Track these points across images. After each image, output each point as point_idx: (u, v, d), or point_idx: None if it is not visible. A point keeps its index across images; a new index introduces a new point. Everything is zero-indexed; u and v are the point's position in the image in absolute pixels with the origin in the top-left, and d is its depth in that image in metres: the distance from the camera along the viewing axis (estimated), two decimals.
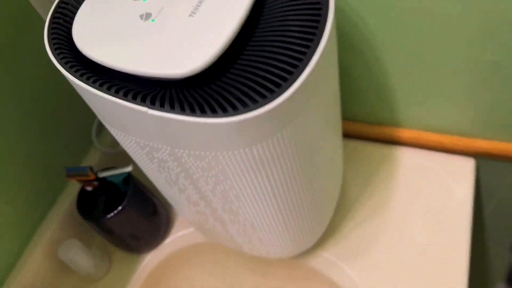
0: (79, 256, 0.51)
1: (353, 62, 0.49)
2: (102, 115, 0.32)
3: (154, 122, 0.28)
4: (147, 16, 0.30)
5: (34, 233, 0.51)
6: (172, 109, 0.26)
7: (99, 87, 0.28)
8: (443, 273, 0.47)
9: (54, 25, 0.32)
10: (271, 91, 0.26)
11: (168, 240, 0.57)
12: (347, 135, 0.60)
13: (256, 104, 0.26)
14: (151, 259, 0.56)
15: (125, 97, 0.27)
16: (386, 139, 0.58)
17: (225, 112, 0.26)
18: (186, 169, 0.33)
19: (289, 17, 0.30)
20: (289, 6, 0.31)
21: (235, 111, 0.26)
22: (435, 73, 0.47)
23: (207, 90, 0.28)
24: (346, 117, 0.58)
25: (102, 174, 0.49)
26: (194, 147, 0.29)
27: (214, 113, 0.26)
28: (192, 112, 0.26)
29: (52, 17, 0.33)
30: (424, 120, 0.54)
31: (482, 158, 0.55)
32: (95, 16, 0.31)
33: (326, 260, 0.51)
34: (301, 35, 0.29)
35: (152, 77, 0.28)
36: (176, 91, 0.28)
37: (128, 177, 0.50)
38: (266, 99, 0.26)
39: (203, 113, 0.26)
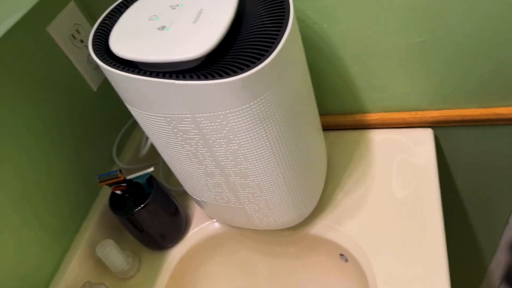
0: (112, 254, 0.59)
1: (318, 61, 0.62)
2: (136, 101, 0.43)
3: (180, 92, 0.39)
4: (162, 27, 0.43)
5: (75, 235, 0.60)
6: (191, 79, 0.38)
7: (137, 74, 0.39)
8: (421, 218, 0.57)
9: (96, 43, 0.44)
10: (258, 59, 0.38)
11: (188, 235, 0.65)
12: (327, 127, 0.71)
13: (249, 68, 0.38)
14: (175, 253, 0.64)
15: (156, 76, 0.39)
16: (358, 125, 0.70)
17: (229, 75, 0.37)
18: (203, 135, 0.43)
19: (263, 17, 0.43)
20: (261, 10, 0.44)
21: (236, 73, 0.37)
22: (382, 59, 0.60)
23: (214, 66, 0.39)
24: (324, 112, 0.70)
25: (129, 177, 0.59)
26: (210, 109, 0.40)
27: (221, 77, 0.37)
28: (206, 78, 0.38)
29: (94, 39, 0.45)
30: (385, 102, 0.66)
31: (437, 127, 0.67)
32: (124, 33, 0.44)
33: (325, 225, 0.60)
34: (272, 27, 0.41)
35: (172, 62, 0.39)
36: (192, 70, 0.39)
37: (151, 177, 0.60)
38: (255, 64, 0.38)
39: (214, 78, 0.37)
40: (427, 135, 0.66)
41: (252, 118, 0.41)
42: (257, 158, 0.46)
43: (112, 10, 0.49)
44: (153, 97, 0.41)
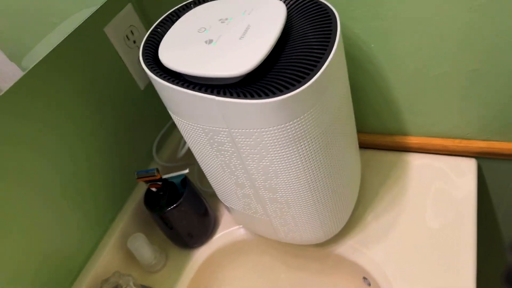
0: (142, 248, 0.62)
1: (362, 80, 0.61)
2: (177, 109, 0.45)
3: (219, 107, 0.40)
4: (209, 41, 0.44)
5: (109, 227, 0.63)
6: (232, 96, 0.39)
7: (181, 85, 0.41)
8: (452, 253, 0.55)
9: (146, 52, 0.46)
10: (298, 81, 0.39)
11: (214, 238, 0.67)
12: (364, 145, 0.70)
13: (288, 90, 0.38)
14: (201, 254, 0.66)
15: (199, 90, 0.40)
16: (396, 147, 0.68)
17: (267, 96, 0.38)
18: (238, 149, 0.44)
19: (309, 36, 0.43)
20: (308, 28, 0.44)
21: (274, 95, 0.38)
22: (430, 84, 0.58)
23: (253, 86, 0.40)
24: (362, 130, 0.69)
25: (165, 176, 0.61)
26: (245, 126, 0.41)
27: (260, 97, 0.38)
28: (245, 97, 0.38)
29: (144, 47, 0.47)
30: (428, 127, 0.64)
31: (482, 158, 0.64)
32: (173, 43, 0.45)
33: (351, 246, 0.60)
34: (317, 48, 0.42)
35: (217, 77, 0.40)
36: (233, 88, 0.40)
37: (185, 179, 0.62)
38: (294, 87, 0.38)
39: (253, 97, 0.38)
40: (470, 165, 0.63)
41: (286, 138, 0.42)
42: (288, 176, 0.46)
43: (164, 19, 0.51)
44: (193, 109, 0.43)
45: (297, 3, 0.48)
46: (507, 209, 0.71)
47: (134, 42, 0.65)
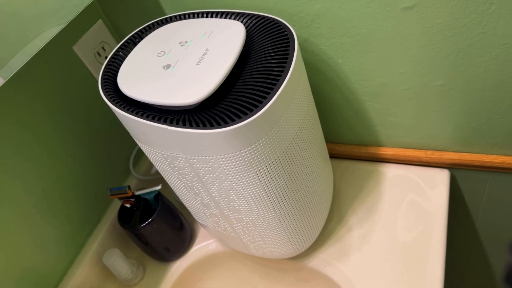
0: (118, 263, 0.63)
1: (332, 94, 0.61)
2: (138, 136, 0.45)
3: (173, 136, 0.40)
4: (167, 66, 0.44)
5: (85, 243, 0.64)
6: (184, 125, 0.39)
7: (136, 114, 0.41)
8: (421, 267, 0.55)
9: (105, 78, 0.46)
10: (250, 110, 0.39)
11: (191, 251, 0.68)
12: (339, 156, 0.70)
13: (240, 119, 0.38)
14: (178, 266, 0.67)
15: (153, 120, 0.40)
16: (371, 157, 0.68)
17: (219, 126, 0.38)
18: (197, 173, 0.45)
19: (268, 58, 0.43)
20: (268, 49, 0.44)
21: (226, 124, 0.38)
22: (398, 98, 0.58)
23: (208, 112, 0.40)
24: (336, 141, 0.70)
25: (138, 192, 0.62)
26: (201, 153, 0.41)
27: (212, 126, 0.38)
28: (198, 127, 0.39)
29: (103, 73, 0.47)
30: (401, 139, 0.64)
31: (455, 168, 0.64)
32: (132, 69, 0.45)
33: (323, 260, 0.60)
34: (274, 71, 0.42)
35: (171, 106, 0.41)
36: (188, 115, 0.41)
37: (158, 194, 0.62)
38: (247, 116, 0.38)
39: (205, 127, 0.38)
40: (443, 176, 0.64)
41: (243, 163, 0.42)
42: (250, 198, 0.46)
43: (126, 41, 0.51)
44: (150, 136, 0.43)
45: (257, 24, 0.48)
46: (483, 217, 0.71)
47: (106, 58, 0.65)
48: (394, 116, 0.61)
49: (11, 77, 0.46)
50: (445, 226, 0.58)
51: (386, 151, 0.66)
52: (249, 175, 0.43)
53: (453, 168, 0.64)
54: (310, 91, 0.49)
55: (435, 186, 0.63)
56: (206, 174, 0.44)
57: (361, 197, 0.65)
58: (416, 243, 0.57)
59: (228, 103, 0.41)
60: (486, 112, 0.55)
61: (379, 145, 0.67)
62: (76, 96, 0.61)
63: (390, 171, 0.67)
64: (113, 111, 0.44)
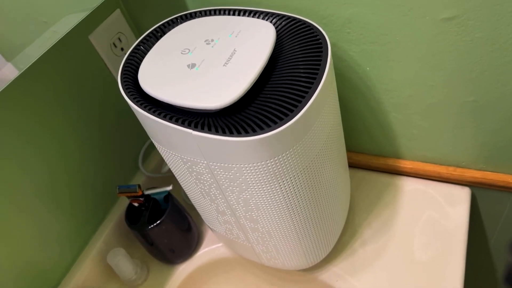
0: (122, 262, 0.61)
1: (356, 101, 0.59)
2: (157, 137, 0.43)
3: (196, 141, 0.38)
4: (192, 65, 0.42)
5: (89, 240, 0.62)
6: (209, 131, 0.37)
7: (158, 115, 0.39)
8: (438, 286, 0.53)
9: (125, 73, 0.44)
10: (280, 118, 0.36)
11: (198, 254, 0.65)
12: (356, 165, 0.68)
13: (269, 128, 0.36)
14: (183, 270, 0.65)
15: (176, 122, 0.38)
16: (389, 169, 0.66)
17: (247, 133, 0.36)
18: (217, 180, 0.42)
19: (298, 64, 0.41)
20: (298, 54, 0.41)
21: (254, 133, 0.36)
22: (425, 111, 0.55)
23: (233, 118, 0.38)
24: (355, 149, 0.67)
25: (147, 192, 0.59)
26: (224, 160, 0.39)
27: (239, 134, 0.36)
28: (224, 133, 0.36)
29: (123, 68, 0.45)
30: (422, 152, 0.62)
31: (476, 187, 0.62)
32: (155, 66, 0.43)
33: (335, 273, 0.58)
34: (305, 78, 0.39)
35: (195, 109, 0.38)
36: (212, 119, 0.38)
37: (168, 195, 0.60)
38: (276, 125, 0.36)
39: (231, 134, 0.36)
40: (464, 194, 0.61)
41: (267, 174, 0.39)
42: (269, 209, 0.44)
43: (147, 35, 0.48)
44: (171, 138, 0.40)
45: (288, 25, 0.46)
46: (499, 238, 0.69)
47: (122, 49, 0.63)
48: (418, 129, 0.59)
49: (25, 70, 0.44)
50: (465, 247, 0.56)
51: (405, 164, 0.64)
52: (271, 186, 0.41)
53: (474, 186, 0.62)
54: (338, 99, 0.47)
55: (455, 203, 0.61)
56: (227, 182, 0.42)
57: (376, 210, 0.63)
58: (433, 263, 0.55)
59: (255, 109, 0.38)
60: None
61: (398, 157, 0.65)
62: (89, 87, 0.59)
63: (408, 185, 0.65)
64: (133, 109, 0.41)
